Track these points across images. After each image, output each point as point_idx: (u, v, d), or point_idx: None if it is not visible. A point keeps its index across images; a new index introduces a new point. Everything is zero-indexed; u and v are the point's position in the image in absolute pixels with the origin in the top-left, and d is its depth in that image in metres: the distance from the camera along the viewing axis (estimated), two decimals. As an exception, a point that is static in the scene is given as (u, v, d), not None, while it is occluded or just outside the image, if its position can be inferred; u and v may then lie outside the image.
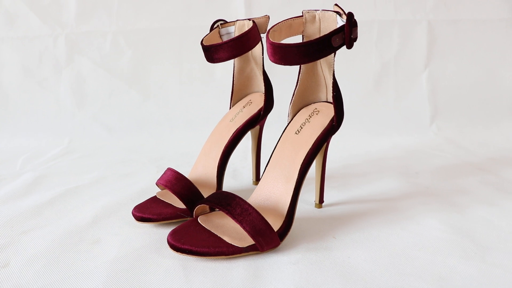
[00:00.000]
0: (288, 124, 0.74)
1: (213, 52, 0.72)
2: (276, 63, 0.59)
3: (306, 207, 0.78)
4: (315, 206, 0.78)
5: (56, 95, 1.43)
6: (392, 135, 1.30)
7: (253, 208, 0.60)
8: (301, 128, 0.72)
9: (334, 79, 0.68)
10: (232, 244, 0.59)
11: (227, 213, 0.60)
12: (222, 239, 0.60)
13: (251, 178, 0.94)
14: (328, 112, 0.72)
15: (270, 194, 0.67)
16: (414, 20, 1.36)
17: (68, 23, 1.40)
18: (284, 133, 0.73)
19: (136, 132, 1.37)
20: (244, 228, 0.58)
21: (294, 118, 0.74)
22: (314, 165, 0.75)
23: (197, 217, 0.66)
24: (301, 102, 0.75)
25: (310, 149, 0.68)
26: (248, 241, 0.60)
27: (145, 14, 1.39)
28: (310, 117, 0.73)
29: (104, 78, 1.42)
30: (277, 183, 0.67)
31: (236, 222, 0.59)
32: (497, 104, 1.38)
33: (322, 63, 0.70)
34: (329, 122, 0.70)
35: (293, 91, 0.74)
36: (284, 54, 0.58)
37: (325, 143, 0.72)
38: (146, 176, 0.99)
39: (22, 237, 0.69)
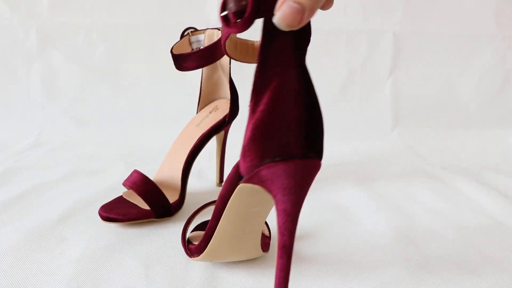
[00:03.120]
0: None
1: (182, 61, 0.76)
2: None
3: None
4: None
5: (26, 87, 1.43)
6: (354, 140, 1.35)
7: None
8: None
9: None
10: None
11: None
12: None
13: (215, 179, 0.97)
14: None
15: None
16: (381, 30, 1.41)
17: (41, 14, 1.40)
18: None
19: (105, 127, 1.38)
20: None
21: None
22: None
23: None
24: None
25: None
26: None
27: (119, 10, 1.40)
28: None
29: (76, 71, 1.42)
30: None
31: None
32: (455, 114, 1.45)
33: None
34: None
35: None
36: None
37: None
38: (114, 173, 1.02)
39: (-11, 234, 0.71)
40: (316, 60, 1.36)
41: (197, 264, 0.63)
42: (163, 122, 1.37)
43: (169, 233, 0.72)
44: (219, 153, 0.92)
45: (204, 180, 0.99)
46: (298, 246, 0.69)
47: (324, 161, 1.14)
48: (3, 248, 0.66)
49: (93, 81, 1.43)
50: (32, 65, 1.42)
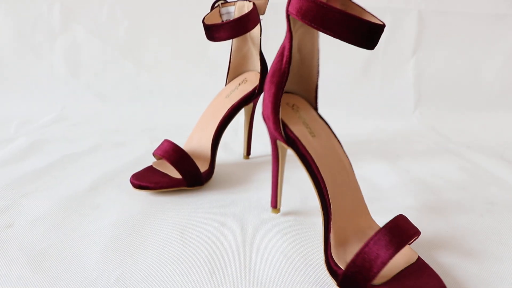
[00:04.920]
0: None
1: (214, 31, 0.76)
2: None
3: (303, 185, 0.83)
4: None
5: (49, 62, 1.44)
6: (376, 119, 1.35)
7: None
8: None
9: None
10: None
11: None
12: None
13: (242, 152, 0.98)
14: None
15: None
16: (406, 9, 1.39)
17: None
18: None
19: (128, 102, 1.39)
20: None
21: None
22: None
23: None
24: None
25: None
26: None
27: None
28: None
29: (99, 47, 1.43)
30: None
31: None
32: (477, 95, 1.43)
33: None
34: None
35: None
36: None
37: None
38: (140, 146, 1.03)
39: (23, 199, 0.73)
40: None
41: (232, 230, 0.64)
42: (185, 98, 1.38)
43: (201, 201, 0.73)
44: (247, 126, 0.92)
45: (231, 153, 0.99)
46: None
47: (347, 138, 1.15)
48: (39, 213, 0.68)
49: (115, 56, 1.44)
50: (56, 40, 1.43)
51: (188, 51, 1.42)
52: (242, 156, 0.97)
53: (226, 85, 0.89)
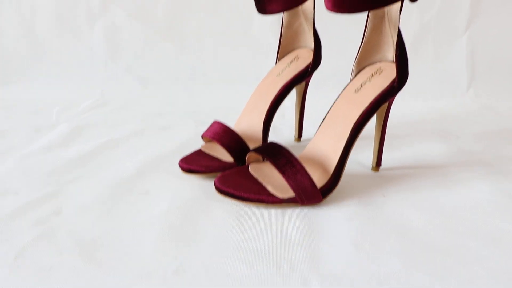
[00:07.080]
0: (350, 82, 0.72)
1: (266, 4, 0.71)
2: (334, 10, 0.57)
3: (355, 167, 0.77)
4: (372, 170, 0.76)
5: (88, 45, 1.41)
6: (427, 98, 1.27)
7: (298, 161, 0.60)
8: (361, 87, 0.69)
9: (398, 37, 0.65)
10: (273, 193, 0.61)
11: (272, 162, 0.61)
12: (265, 188, 0.62)
13: (292, 134, 0.93)
14: (392, 72, 0.68)
15: (320, 150, 0.67)
16: (459, -21, 1.31)
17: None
18: (344, 90, 0.71)
19: (170, 86, 1.34)
20: (286, 179, 0.59)
21: (357, 76, 0.72)
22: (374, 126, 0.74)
23: (248, 164, 0.68)
24: (365, 60, 0.72)
25: (366, 108, 0.66)
26: (290, 193, 0.61)
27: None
28: (372, 76, 0.70)
29: (139, 28, 1.39)
30: (329, 140, 0.67)
31: (279, 172, 0.60)
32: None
33: (388, 19, 0.67)
34: (390, 83, 0.67)
35: (358, 48, 0.71)
36: None
37: (386, 104, 0.70)
38: (185, 129, 0.99)
39: (70, 186, 0.70)
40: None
41: (293, 217, 0.59)
42: (228, 80, 1.33)
43: (255, 186, 0.68)
44: (299, 106, 0.87)
45: (281, 136, 0.94)
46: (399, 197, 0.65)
47: (401, 119, 1.07)
48: (87, 200, 0.65)
49: (155, 38, 1.40)
50: (95, 23, 1.40)
51: (230, 31, 1.36)
52: (293, 138, 0.92)
53: (276, 63, 0.84)
